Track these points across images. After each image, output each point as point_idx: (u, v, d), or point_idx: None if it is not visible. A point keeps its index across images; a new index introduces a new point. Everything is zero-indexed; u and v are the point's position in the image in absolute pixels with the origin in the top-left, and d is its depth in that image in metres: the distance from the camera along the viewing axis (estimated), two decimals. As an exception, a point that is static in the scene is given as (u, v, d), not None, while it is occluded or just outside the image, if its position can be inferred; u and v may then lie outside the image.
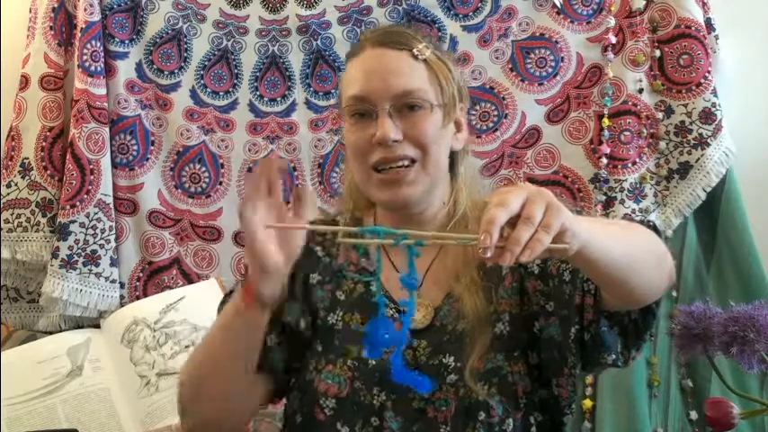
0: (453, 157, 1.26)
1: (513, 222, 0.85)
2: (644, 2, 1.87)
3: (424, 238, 0.92)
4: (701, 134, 1.83)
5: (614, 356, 1.11)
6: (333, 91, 1.96)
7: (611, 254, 0.96)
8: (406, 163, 1.18)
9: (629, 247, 1.00)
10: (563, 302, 1.12)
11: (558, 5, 1.91)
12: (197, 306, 1.85)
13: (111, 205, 1.97)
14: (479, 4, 1.93)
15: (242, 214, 1.04)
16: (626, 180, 1.85)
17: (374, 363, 1.17)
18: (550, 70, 1.92)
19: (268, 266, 1.02)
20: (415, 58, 1.20)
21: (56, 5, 1.96)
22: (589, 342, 1.10)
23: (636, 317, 1.09)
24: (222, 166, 2.01)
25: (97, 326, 1.92)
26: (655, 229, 1.09)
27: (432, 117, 1.19)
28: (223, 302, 1.29)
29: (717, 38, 1.87)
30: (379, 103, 1.18)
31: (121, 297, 1.98)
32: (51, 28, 1.96)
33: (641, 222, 1.10)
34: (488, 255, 0.83)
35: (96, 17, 1.95)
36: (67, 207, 1.92)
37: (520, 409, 1.15)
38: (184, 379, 1.21)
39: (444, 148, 1.22)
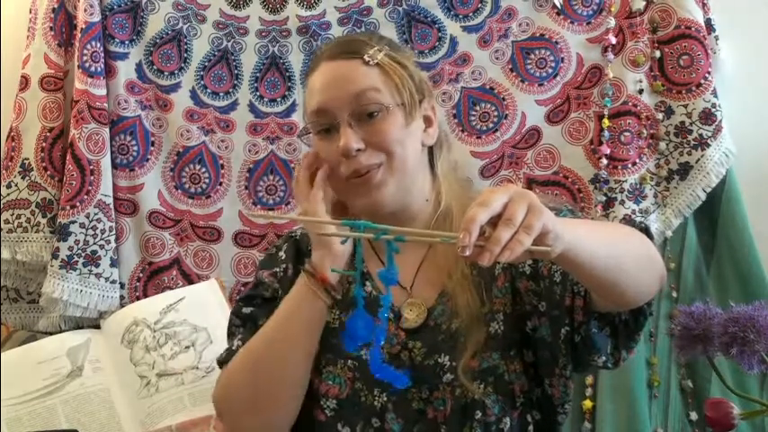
0: (432, 153, 1.28)
1: (495, 222, 0.85)
2: (644, 2, 1.86)
3: (404, 233, 0.92)
4: (701, 135, 1.83)
5: (604, 358, 1.11)
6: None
7: (598, 257, 0.96)
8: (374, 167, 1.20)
9: (617, 250, 1.00)
10: (553, 303, 1.12)
11: (558, 6, 1.91)
12: (197, 306, 1.85)
13: (112, 206, 1.97)
14: (479, 5, 1.93)
15: (307, 208, 1.21)
16: (626, 181, 1.85)
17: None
18: (550, 71, 1.92)
19: (336, 249, 1.16)
20: (367, 63, 1.22)
21: (56, 6, 1.96)
22: (579, 344, 1.10)
23: (627, 317, 1.09)
24: (222, 166, 2.01)
25: (97, 326, 1.92)
26: (646, 231, 1.09)
27: (391, 119, 1.21)
28: (237, 313, 1.30)
29: (717, 38, 1.86)
30: (337, 113, 1.20)
31: (121, 297, 1.98)
32: (51, 28, 1.96)
33: (632, 224, 1.10)
34: (467, 253, 0.84)
35: (96, 18, 1.95)
36: (67, 208, 1.92)
37: (517, 408, 1.16)
38: (234, 386, 1.22)
39: (412, 146, 1.23)
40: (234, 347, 1.26)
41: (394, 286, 0.95)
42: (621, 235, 1.06)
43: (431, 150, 1.29)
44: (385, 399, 1.16)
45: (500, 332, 1.17)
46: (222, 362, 1.28)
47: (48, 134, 1.96)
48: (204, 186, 2.02)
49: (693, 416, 1.81)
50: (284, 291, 1.28)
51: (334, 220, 1.14)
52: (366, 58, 1.23)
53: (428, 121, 1.28)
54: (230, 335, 1.29)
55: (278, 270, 1.31)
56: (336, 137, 1.21)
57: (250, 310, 1.28)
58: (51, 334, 1.90)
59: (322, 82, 1.24)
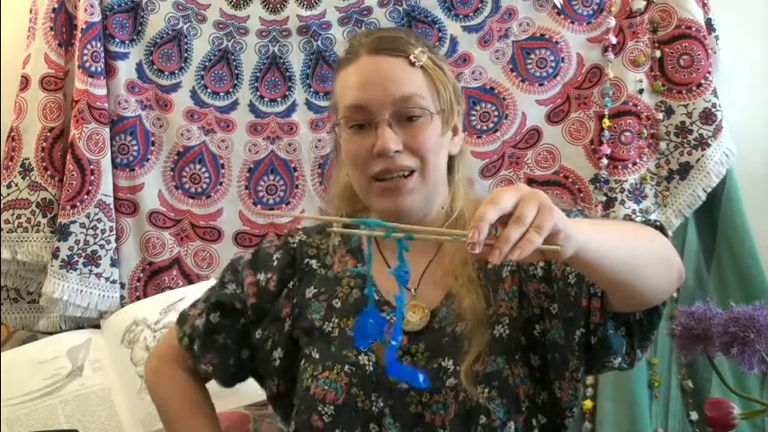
0: (451, 161, 1.26)
1: (505, 221, 0.85)
2: (644, 2, 1.87)
3: (415, 231, 0.92)
4: (701, 135, 1.83)
5: (620, 359, 1.10)
6: (333, 91, 1.96)
7: (611, 257, 0.95)
8: (406, 173, 1.18)
9: (632, 251, 0.99)
10: (568, 305, 1.10)
11: (559, 6, 1.91)
12: (197, 306, 1.85)
13: (112, 206, 1.97)
14: (480, 5, 1.93)
15: None
16: (626, 180, 1.85)
17: (371, 369, 1.16)
18: (551, 71, 1.92)
19: None
20: (412, 64, 1.19)
21: (56, 6, 1.96)
22: (596, 346, 1.09)
23: (641, 316, 1.08)
24: (222, 166, 2.01)
25: (97, 326, 1.92)
26: (661, 229, 1.07)
27: (431, 126, 1.18)
28: (210, 309, 1.33)
29: (717, 38, 1.87)
30: (378, 112, 1.17)
31: (122, 297, 1.98)
32: (52, 28, 1.96)
33: (647, 223, 1.09)
34: (476, 251, 0.83)
35: (97, 18, 1.94)
36: (68, 207, 1.92)
37: (522, 413, 1.14)
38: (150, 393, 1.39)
39: (443, 155, 1.22)
40: (194, 324, 1.33)
41: (404, 284, 0.94)
42: (635, 235, 1.04)
43: (450, 157, 1.26)
44: (382, 404, 1.15)
45: (505, 336, 1.16)
46: (178, 322, 1.36)
47: (48, 134, 1.96)
48: (204, 186, 2.02)
49: (694, 416, 1.81)
50: (257, 305, 1.28)
51: (343, 218, 1.11)
52: (412, 58, 1.18)
53: (455, 130, 1.25)
54: (195, 309, 1.36)
55: (261, 278, 1.30)
56: (371, 133, 1.17)
57: (217, 318, 1.31)
58: (51, 334, 1.90)
59: (363, 78, 1.19)
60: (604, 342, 1.08)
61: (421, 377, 0.98)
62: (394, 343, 0.95)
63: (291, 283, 1.28)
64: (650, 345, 1.13)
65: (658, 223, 1.09)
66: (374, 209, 1.24)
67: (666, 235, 1.08)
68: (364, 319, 0.95)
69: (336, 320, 1.22)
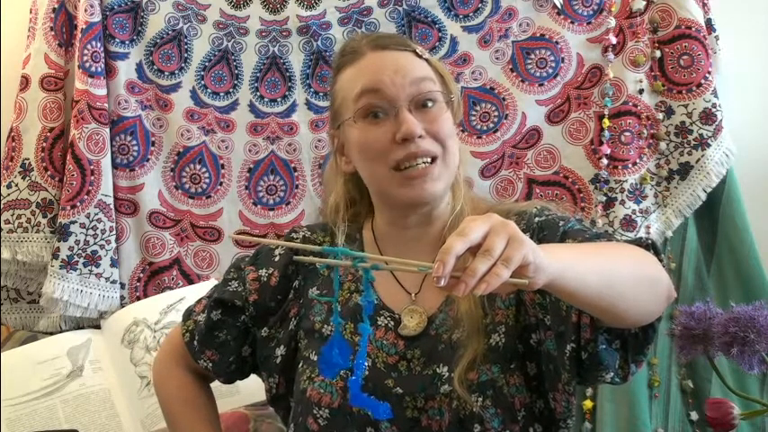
0: None
1: (475, 252, 0.84)
2: (644, 2, 1.87)
3: (381, 261, 0.91)
4: (701, 135, 1.83)
5: (612, 374, 1.09)
6: (333, 91, 1.96)
7: (588, 285, 0.94)
8: (429, 160, 1.17)
9: (612, 276, 0.97)
10: (560, 319, 1.10)
11: (559, 6, 1.91)
12: (197, 307, 1.85)
13: (112, 206, 1.97)
14: (479, 5, 1.93)
15: None
16: (626, 181, 1.85)
17: (367, 373, 1.16)
18: (551, 71, 1.92)
19: None
20: (419, 56, 1.20)
21: (56, 6, 1.96)
22: (587, 361, 1.08)
23: (636, 330, 1.07)
24: (223, 166, 2.01)
25: (97, 326, 1.92)
26: (653, 247, 1.06)
27: (446, 113, 1.20)
28: (190, 312, 1.34)
29: (717, 38, 1.87)
30: (396, 98, 1.16)
31: (122, 298, 1.98)
32: (52, 29, 1.96)
33: (638, 242, 1.07)
34: (441, 284, 0.82)
35: (97, 18, 1.95)
36: (68, 208, 1.92)
37: (518, 422, 1.13)
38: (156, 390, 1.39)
39: (457, 144, 1.22)
40: (196, 319, 1.33)
41: (369, 313, 0.93)
42: (619, 258, 1.03)
43: None
44: None
45: (501, 344, 1.15)
46: (183, 318, 1.35)
47: (48, 134, 1.96)
48: (204, 186, 2.02)
49: (694, 416, 1.81)
50: (259, 301, 1.28)
51: (313, 246, 1.11)
52: (418, 51, 1.20)
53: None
54: (199, 306, 1.35)
55: (263, 274, 1.29)
56: (388, 122, 1.16)
57: (218, 315, 1.30)
58: (52, 334, 1.90)
59: (377, 66, 1.18)
60: (595, 357, 1.07)
61: (382, 409, 0.97)
62: (359, 373, 0.93)
63: (296, 282, 1.28)
64: (645, 360, 1.12)
65: (650, 241, 1.08)
66: (396, 199, 1.21)
67: (658, 252, 1.07)
68: (329, 349, 0.94)
69: (333, 324, 1.22)
